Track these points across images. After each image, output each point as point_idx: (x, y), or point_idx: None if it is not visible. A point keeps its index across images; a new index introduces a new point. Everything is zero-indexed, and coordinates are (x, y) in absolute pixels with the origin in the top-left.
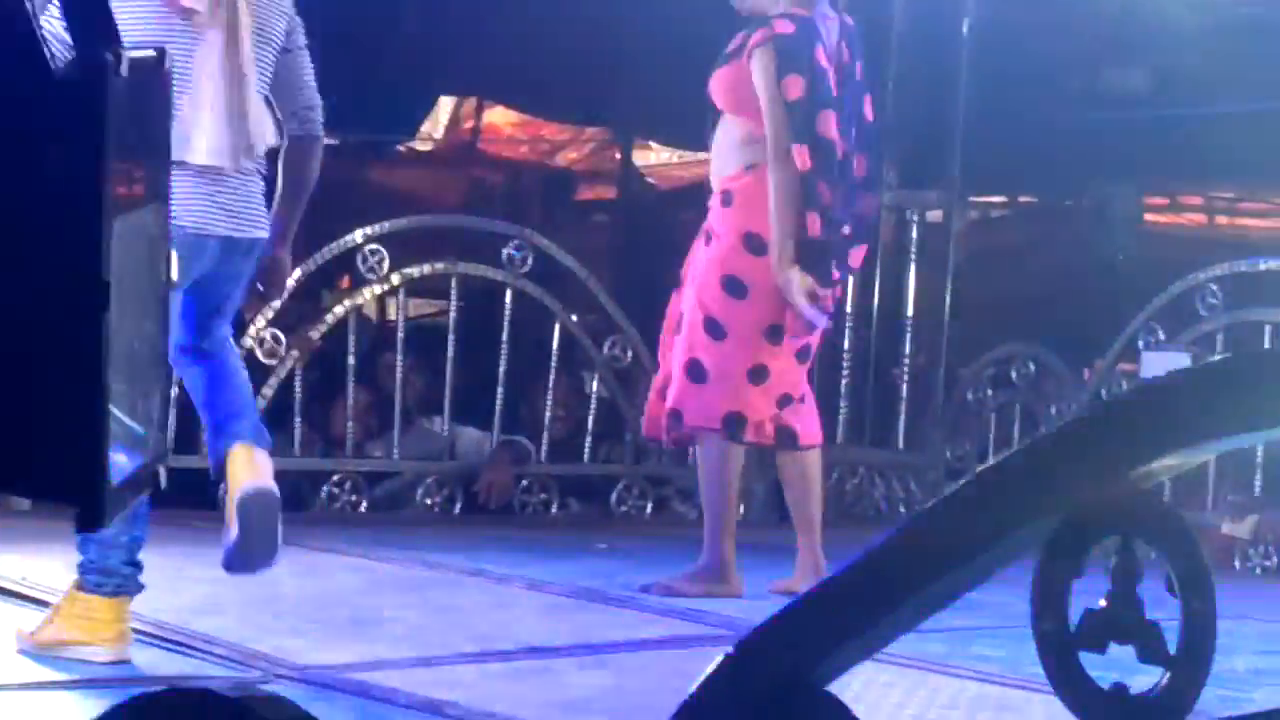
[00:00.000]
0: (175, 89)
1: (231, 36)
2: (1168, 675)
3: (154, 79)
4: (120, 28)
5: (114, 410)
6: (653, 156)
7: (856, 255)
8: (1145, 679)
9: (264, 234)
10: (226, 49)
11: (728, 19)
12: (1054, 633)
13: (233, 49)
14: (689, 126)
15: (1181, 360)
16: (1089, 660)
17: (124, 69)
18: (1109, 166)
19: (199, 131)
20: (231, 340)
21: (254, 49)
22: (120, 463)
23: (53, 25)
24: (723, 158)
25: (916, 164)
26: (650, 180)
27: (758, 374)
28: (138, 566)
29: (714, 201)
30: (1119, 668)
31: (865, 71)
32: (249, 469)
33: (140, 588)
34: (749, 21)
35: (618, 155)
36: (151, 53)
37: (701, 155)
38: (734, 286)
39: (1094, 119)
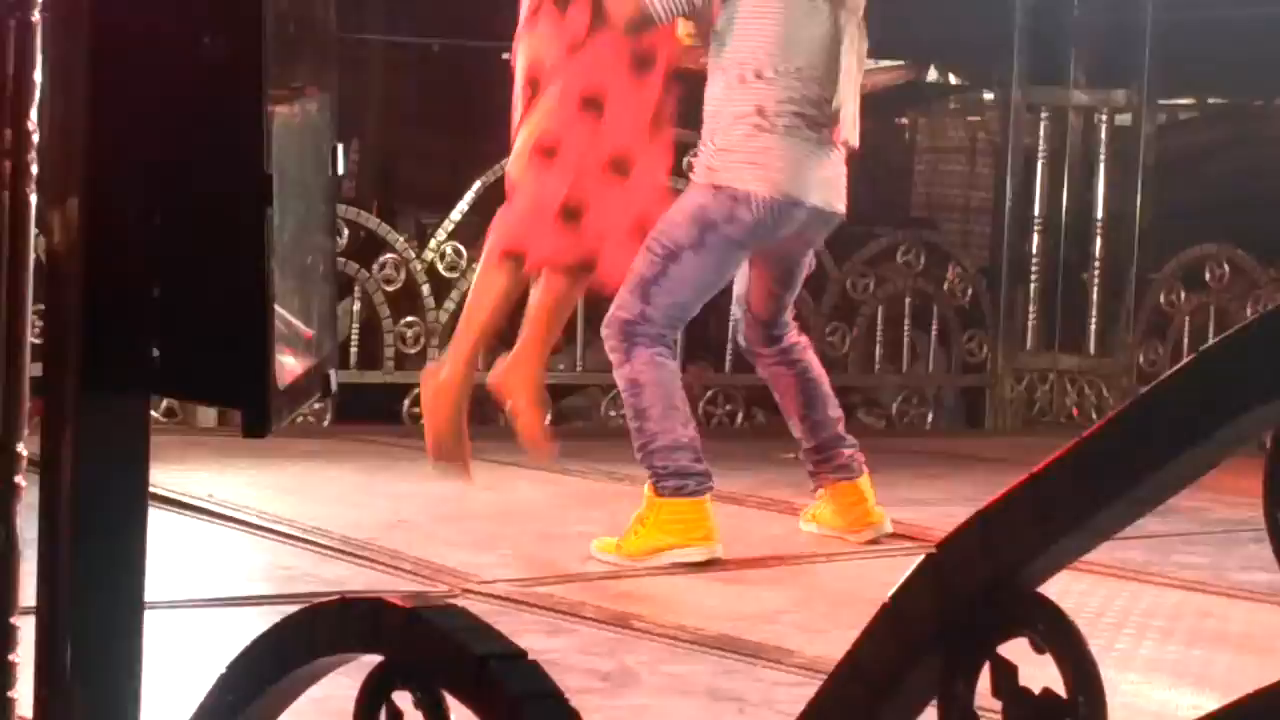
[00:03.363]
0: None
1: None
2: None
3: None
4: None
5: (280, 310)
6: None
7: None
8: None
9: (843, 212)
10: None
11: None
12: None
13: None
14: None
15: None
16: None
17: None
18: None
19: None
20: (801, 334)
21: None
22: (288, 364)
23: None
24: None
25: (1105, 64)
26: None
27: None
28: (703, 462)
29: None
30: None
31: None
32: (863, 510)
33: (712, 482)
34: None
35: None
36: None
37: None
38: None
39: None
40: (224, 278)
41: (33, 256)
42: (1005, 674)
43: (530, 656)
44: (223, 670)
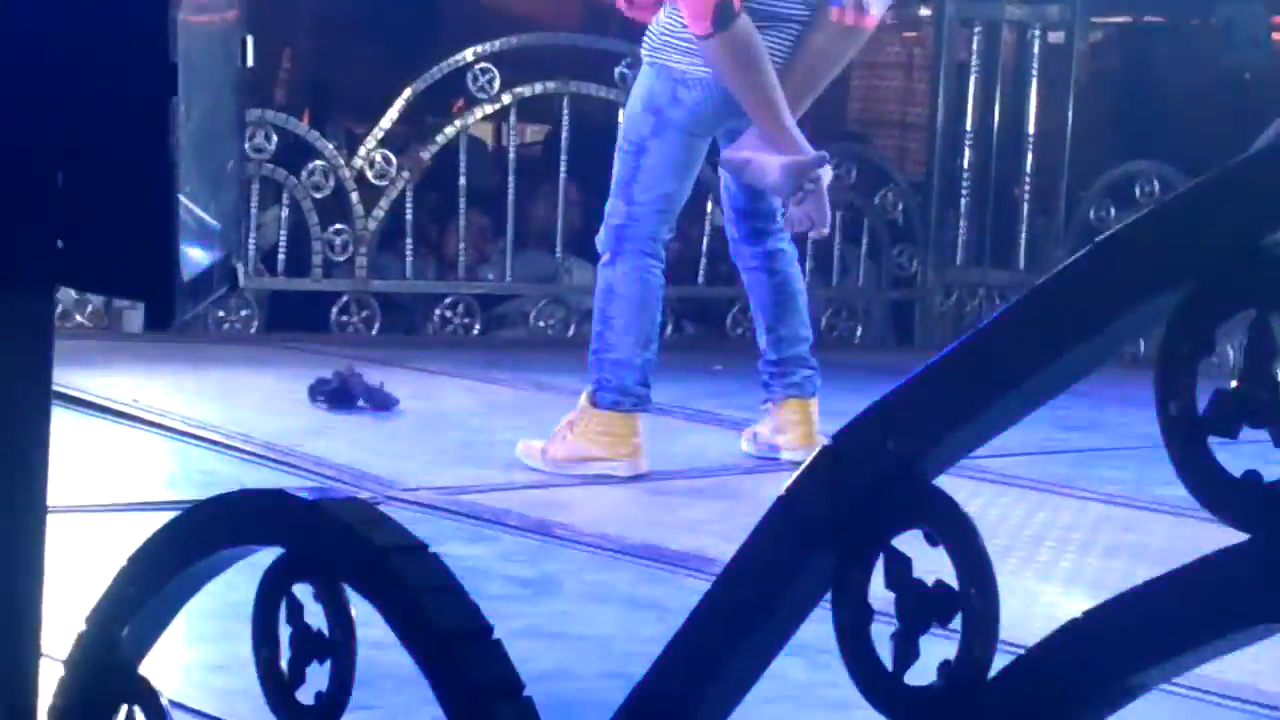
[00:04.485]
0: None
1: None
2: None
3: None
4: None
5: (185, 203)
6: None
7: None
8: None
9: None
10: None
11: None
12: (1181, 415)
13: None
14: None
15: None
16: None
17: None
18: None
19: None
20: (790, 244)
21: None
22: (194, 258)
23: None
24: None
25: None
26: None
27: None
28: (649, 386)
29: None
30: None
31: None
32: (805, 431)
33: (651, 406)
34: None
35: None
36: None
37: None
38: None
39: None
40: (128, 169)
41: None
42: (898, 565)
43: (439, 553)
44: (123, 564)
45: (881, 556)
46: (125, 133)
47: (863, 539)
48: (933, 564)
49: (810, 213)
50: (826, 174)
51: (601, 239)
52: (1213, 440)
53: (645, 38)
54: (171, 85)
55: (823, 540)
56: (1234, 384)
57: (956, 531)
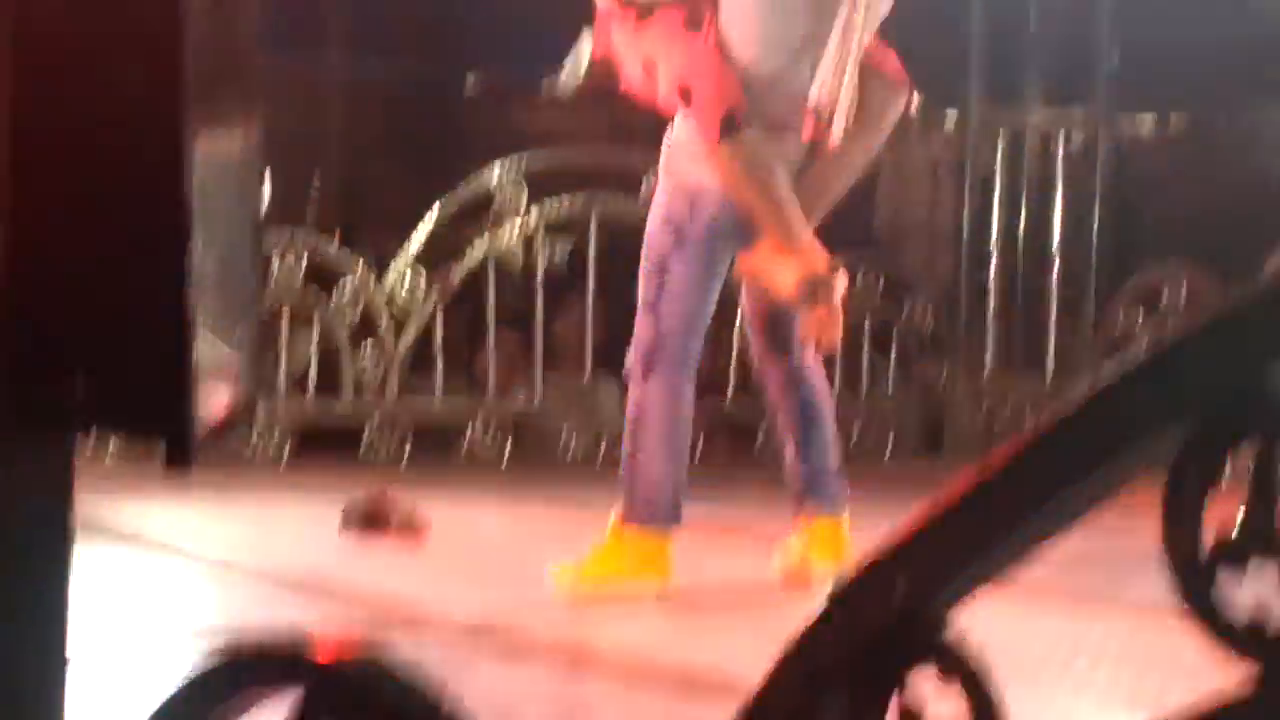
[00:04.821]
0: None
1: None
2: None
3: None
4: None
5: (202, 340)
6: None
7: None
8: None
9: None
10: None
11: None
12: (1187, 548)
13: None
14: None
15: None
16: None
17: None
18: (1264, 85)
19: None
20: (815, 355)
21: None
22: (213, 394)
23: None
24: None
25: (1062, 84)
26: None
27: None
28: (680, 505)
29: None
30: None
31: None
32: (835, 547)
33: (681, 524)
34: None
35: None
36: None
37: None
38: None
39: (1248, 35)
40: (144, 309)
41: None
42: (912, 705)
43: (470, 700)
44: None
45: (896, 696)
46: (142, 273)
47: (876, 679)
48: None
49: (825, 324)
50: (839, 283)
51: (632, 360)
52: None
53: (663, 150)
54: (187, 225)
55: (837, 681)
56: (1240, 516)
57: (967, 673)
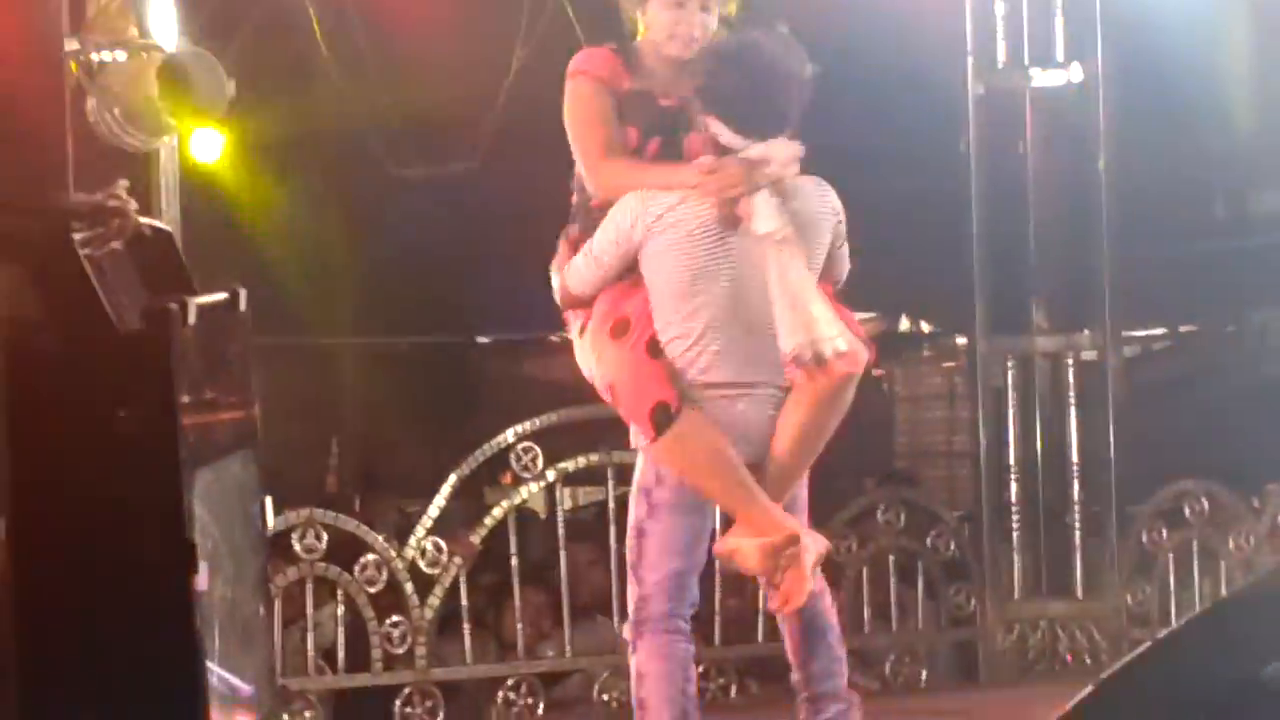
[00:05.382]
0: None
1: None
2: None
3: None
4: None
5: (215, 671)
6: None
7: None
8: None
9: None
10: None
11: None
12: None
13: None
14: None
15: None
16: None
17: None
18: (1270, 289)
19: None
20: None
21: None
22: None
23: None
24: None
25: (1068, 307)
26: None
27: None
28: None
29: None
30: None
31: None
32: None
33: None
34: None
35: None
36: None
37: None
38: None
39: (1250, 243)
40: (154, 647)
41: None
42: None
43: None
44: None
45: None
46: (150, 612)
47: None
48: None
49: (787, 590)
50: (809, 548)
51: (625, 627)
52: None
53: None
54: (191, 563)
55: None
56: None
57: None
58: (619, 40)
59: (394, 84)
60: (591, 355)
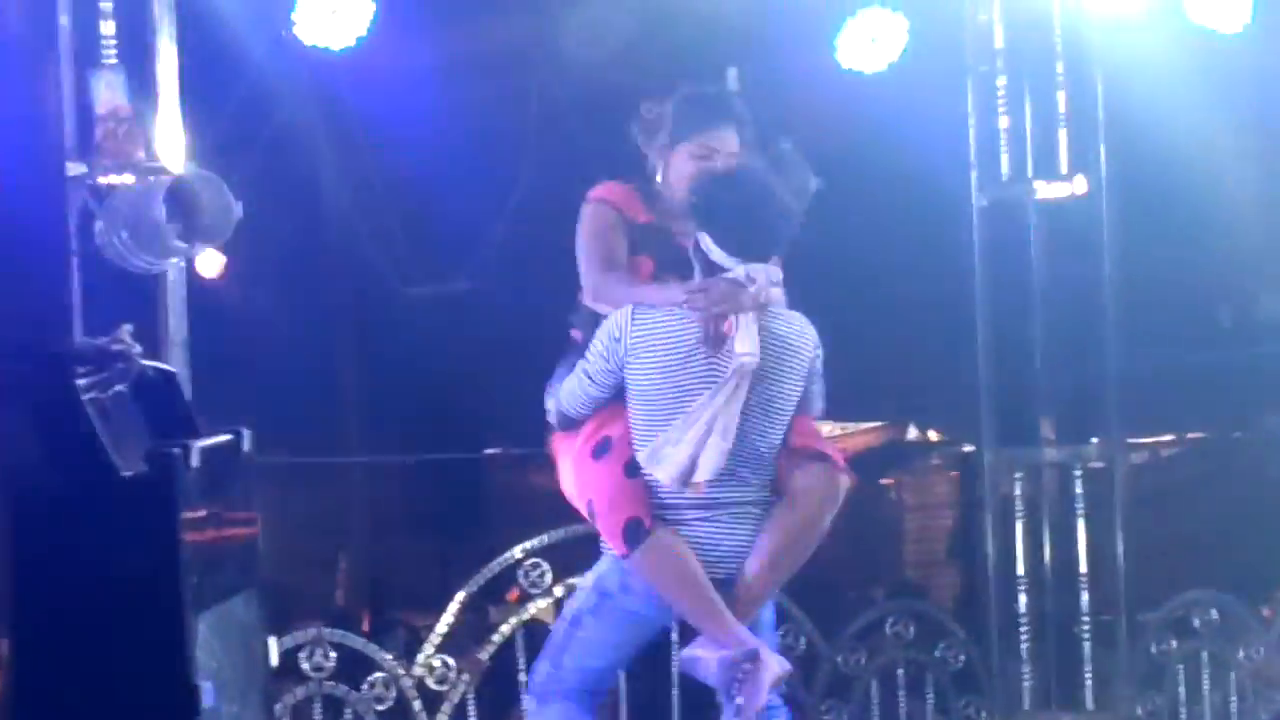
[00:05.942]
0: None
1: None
2: None
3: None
4: None
5: None
6: None
7: None
8: None
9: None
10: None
11: None
12: None
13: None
14: None
15: None
16: None
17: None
18: (1277, 396)
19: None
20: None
21: None
22: None
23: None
24: None
25: (1074, 416)
26: None
27: None
28: None
29: None
30: None
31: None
32: None
33: None
34: None
35: None
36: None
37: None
38: None
39: (1257, 350)
40: None
41: None
42: None
43: None
44: None
45: None
46: None
47: None
48: None
49: (741, 705)
50: (768, 665)
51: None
52: None
53: None
54: (195, 707)
55: None
56: None
57: None
58: (639, 179)
59: (400, 203)
60: (572, 476)
